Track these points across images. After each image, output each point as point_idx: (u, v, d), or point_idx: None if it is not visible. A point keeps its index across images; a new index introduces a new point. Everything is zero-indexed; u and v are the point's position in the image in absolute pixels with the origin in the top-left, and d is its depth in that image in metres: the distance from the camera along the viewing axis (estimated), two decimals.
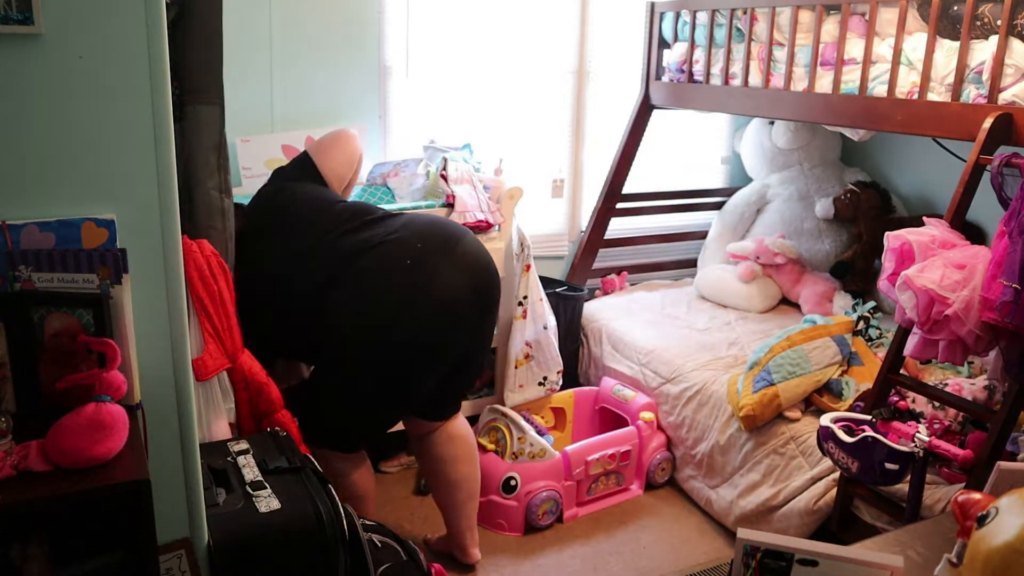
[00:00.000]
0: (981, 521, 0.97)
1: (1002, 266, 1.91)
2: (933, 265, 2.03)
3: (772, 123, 3.77)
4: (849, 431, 2.12)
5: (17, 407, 1.35)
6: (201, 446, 1.58)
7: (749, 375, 2.70)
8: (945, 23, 2.34)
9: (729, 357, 3.03)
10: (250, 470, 1.79)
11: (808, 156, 3.79)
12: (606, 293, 3.80)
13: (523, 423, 2.80)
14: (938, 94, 2.36)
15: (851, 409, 2.43)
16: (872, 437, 2.04)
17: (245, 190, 2.89)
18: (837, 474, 2.35)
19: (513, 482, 2.69)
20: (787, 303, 3.62)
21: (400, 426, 2.96)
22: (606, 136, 3.72)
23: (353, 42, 3.13)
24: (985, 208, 2.41)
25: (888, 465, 2.02)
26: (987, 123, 2.15)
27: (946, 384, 2.40)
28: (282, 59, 3.02)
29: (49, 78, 1.31)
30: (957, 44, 2.29)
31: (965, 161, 2.20)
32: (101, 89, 1.34)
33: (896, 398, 2.35)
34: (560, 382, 3.11)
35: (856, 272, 3.52)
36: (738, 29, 3.05)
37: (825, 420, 2.17)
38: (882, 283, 2.18)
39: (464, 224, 2.62)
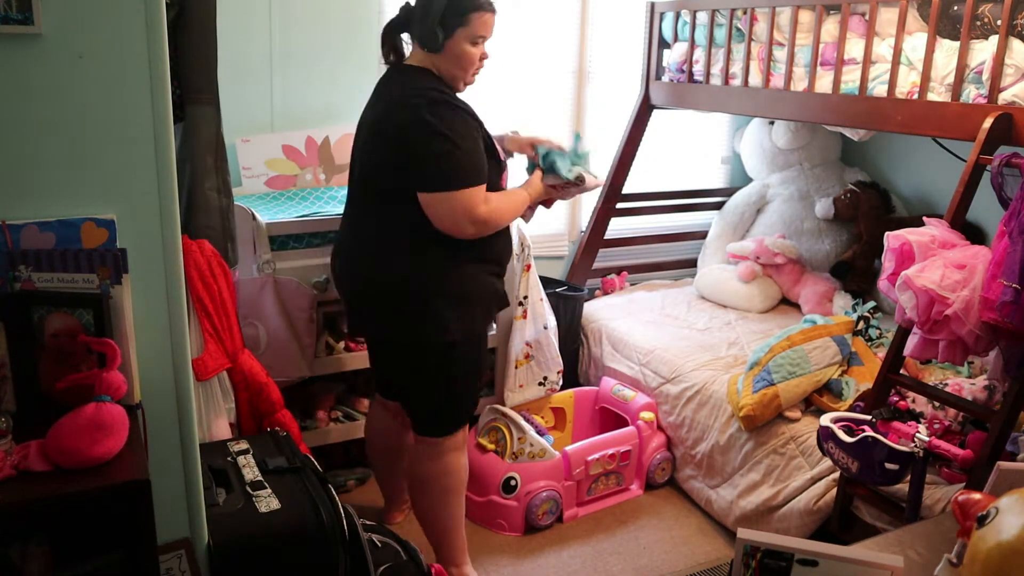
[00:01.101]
0: (981, 521, 0.97)
1: (1002, 266, 1.91)
2: (933, 265, 2.03)
3: (772, 123, 3.77)
4: (849, 431, 2.12)
5: (17, 407, 1.35)
6: (201, 446, 1.58)
7: (749, 375, 2.70)
8: (945, 23, 2.34)
9: (729, 357, 3.02)
10: (250, 470, 1.79)
11: (808, 156, 3.79)
12: (606, 293, 3.80)
13: (523, 423, 2.80)
14: (938, 94, 2.36)
15: (851, 409, 2.43)
16: (872, 437, 2.04)
17: (245, 190, 2.89)
18: (837, 474, 2.35)
19: (513, 482, 2.69)
20: (787, 303, 3.62)
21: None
22: (606, 136, 3.72)
23: (353, 42, 3.13)
24: (985, 208, 2.41)
25: (888, 465, 2.02)
26: (987, 123, 2.15)
27: (946, 384, 2.40)
28: (282, 59, 3.02)
29: (49, 78, 1.31)
30: (957, 44, 2.29)
31: (965, 161, 2.20)
32: (101, 89, 1.34)
33: (896, 398, 2.35)
34: (560, 382, 3.11)
35: (856, 272, 3.52)
36: (738, 29, 3.05)
37: (825, 420, 2.17)
38: (882, 283, 2.18)
39: None
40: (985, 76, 2.22)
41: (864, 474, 2.07)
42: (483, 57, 2.12)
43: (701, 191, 4.06)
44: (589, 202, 3.76)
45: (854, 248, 3.58)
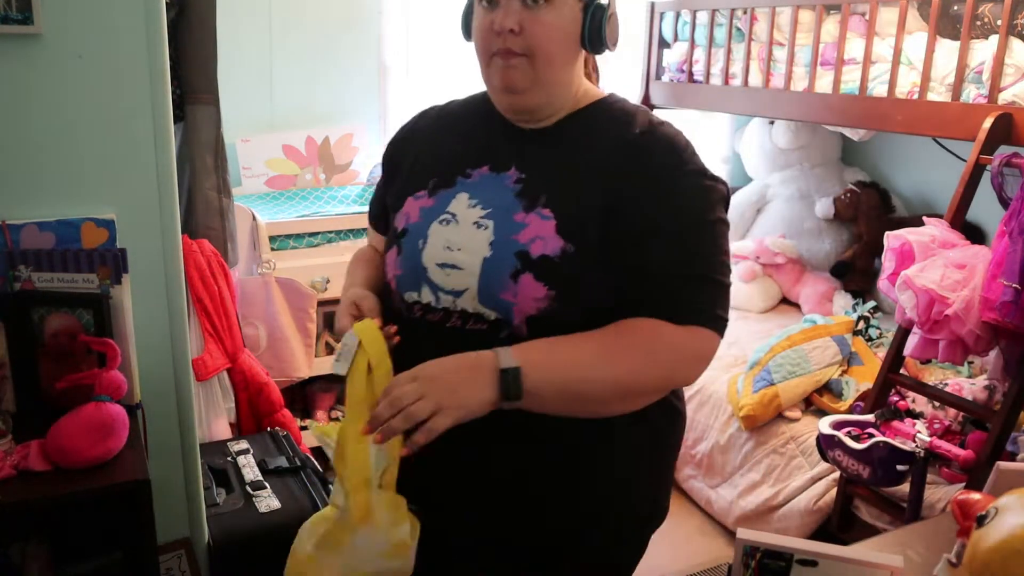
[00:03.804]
0: (980, 521, 0.96)
1: (1002, 266, 1.91)
2: (933, 265, 2.03)
3: (772, 123, 3.76)
4: (853, 436, 2.11)
5: (17, 407, 1.35)
6: (201, 446, 1.58)
7: (749, 375, 2.70)
8: (945, 23, 2.34)
9: (729, 357, 3.02)
10: (250, 470, 1.79)
11: (808, 156, 3.78)
12: None
13: None
14: (938, 94, 2.36)
15: (851, 409, 2.43)
16: (883, 442, 2.04)
17: (245, 190, 2.89)
18: (837, 474, 2.34)
19: None
20: (787, 303, 3.62)
21: None
22: None
23: (353, 42, 3.13)
24: (985, 208, 2.40)
25: (899, 467, 2.02)
26: (987, 123, 2.15)
27: (946, 384, 2.40)
28: (282, 59, 3.02)
29: (49, 78, 1.31)
30: (957, 44, 2.29)
31: (965, 161, 2.20)
32: (101, 89, 1.34)
33: (896, 398, 2.35)
34: None
35: (856, 272, 3.52)
36: (738, 29, 3.05)
37: (824, 428, 2.16)
38: (882, 283, 2.18)
39: None
40: (985, 76, 2.22)
41: (874, 478, 2.06)
42: (504, 31, 1.08)
43: None
44: None
45: (854, 248, 3.58)
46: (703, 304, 1.11)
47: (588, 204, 1.11)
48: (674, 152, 1.16)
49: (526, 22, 1.07)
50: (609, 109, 1.22)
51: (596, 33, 1.13)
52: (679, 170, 1.14)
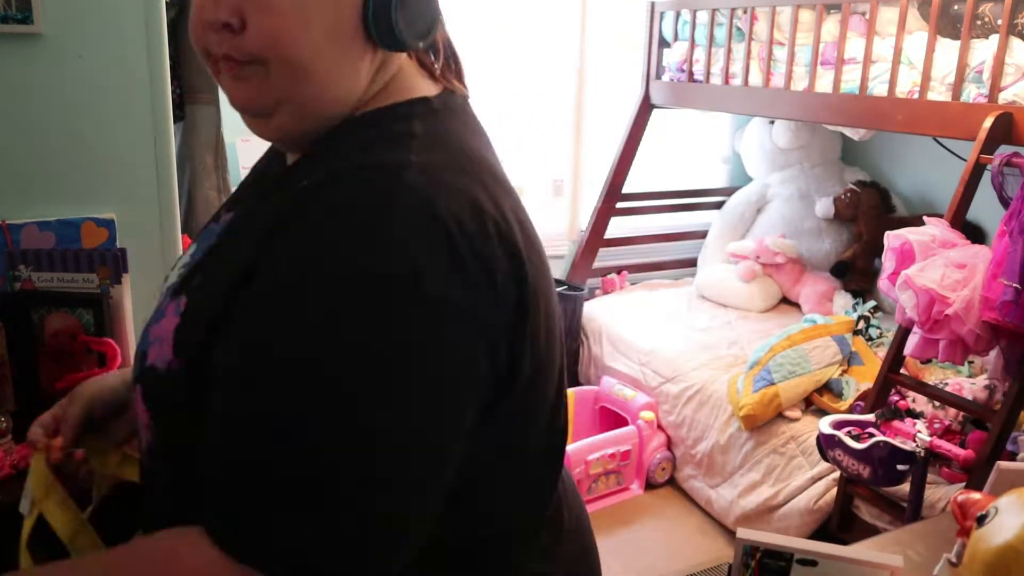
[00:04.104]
0: (980, 521, 0.97)
1: (1003, 265, 1.91)
2: (933, 265, 2.03)
3: (772, 123, 3.77)
4: (853, 436, 2.11)
5: (17, 407, 1.35)
6: None
7: (749, 375, 2.70)
8: (945, 22, 2.34)
9: (729, 356, 3.02)
10: None
11: (808, 155, 3.79)
12: (606, 293, 3.80)
13: None
14: (938, 93, 2.36)
15: (851, 409, 2.43)
16: (884, 441, 2.04)
17: None
18: (837, 474, 2.35)
19: None
20: (787, 302, 3.62)
21: None
22: (606, 136, 3.72)
23: None
24: (985, 208, 2.41)
25: (899, 467, 2.02)
26: (987, 123, 2.15)
27: (946, 384, 2.40)
28: None
29: (49, 78, 1.31)
30: (957, 43, 2.29)
31: (965, 161, 2.20)
32: (101, 89, 1.34)
33: (896, 397, 2.35)
34: None
35: (856, 271, 3.52)
36: (738, 28, 3.05)
37: (825, 427, 2.16)
38: (882, 282, 2.18)
39: None
40: (985, 75, 2.22)
41: (875, 478, 2.06)
42: (217, 24, 0.66)
43: (701, 191, 4.06)
44: (589, 201, 3.76)
45: (854, 247, 3.58)
46: (228, 514, 0.62)
47: (219, 295, 0.69)
48: (324, 228, 0.63)
49: (248, 9, 0.64)
50: (356, 131, 0.72)
51: (383, 21, 0.69)
52: (309, 264, 0.63)
